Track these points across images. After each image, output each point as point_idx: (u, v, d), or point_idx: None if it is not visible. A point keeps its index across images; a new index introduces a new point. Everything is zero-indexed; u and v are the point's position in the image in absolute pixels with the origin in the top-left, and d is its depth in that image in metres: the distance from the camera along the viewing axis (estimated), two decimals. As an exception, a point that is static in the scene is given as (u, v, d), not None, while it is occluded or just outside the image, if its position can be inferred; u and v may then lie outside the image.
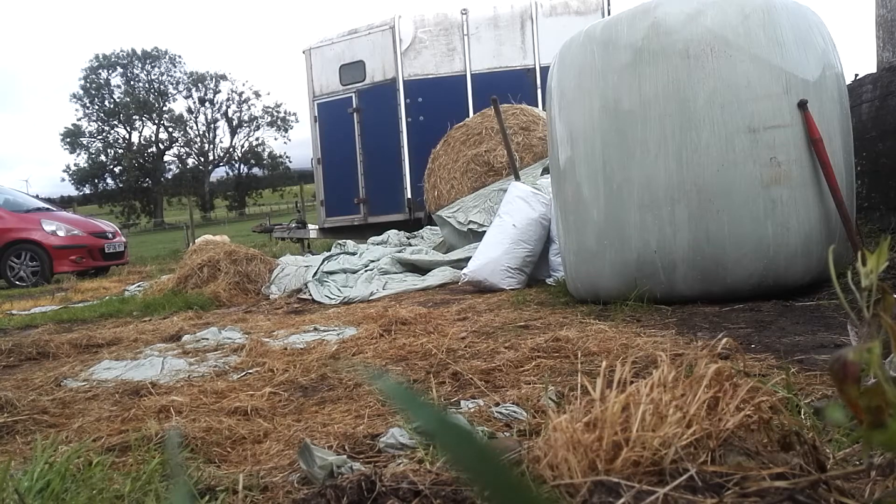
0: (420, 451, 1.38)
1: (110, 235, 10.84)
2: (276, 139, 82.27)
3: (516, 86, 8.89)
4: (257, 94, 67.78)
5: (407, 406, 0.28)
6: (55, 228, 10.09)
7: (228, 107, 59.49)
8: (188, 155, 59.25)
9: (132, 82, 57.70)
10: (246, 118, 59.49)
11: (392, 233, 7.45)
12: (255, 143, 59.47)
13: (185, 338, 3.41)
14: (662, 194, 2.92)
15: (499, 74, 9.36)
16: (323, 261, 5.78)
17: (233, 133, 59.40)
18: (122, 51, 57.76)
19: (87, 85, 56.29)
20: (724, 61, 2.82)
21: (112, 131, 57.35)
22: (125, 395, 2.24)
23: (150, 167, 56.85)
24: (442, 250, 6.21)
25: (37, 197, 14.10)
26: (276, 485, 1.32)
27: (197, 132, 59.24)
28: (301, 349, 2.86)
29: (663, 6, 2.96)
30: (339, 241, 6.66)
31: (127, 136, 57.45)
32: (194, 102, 59.05)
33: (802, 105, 2.71)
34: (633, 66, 2.97)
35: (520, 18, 9.39)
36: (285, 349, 2.88)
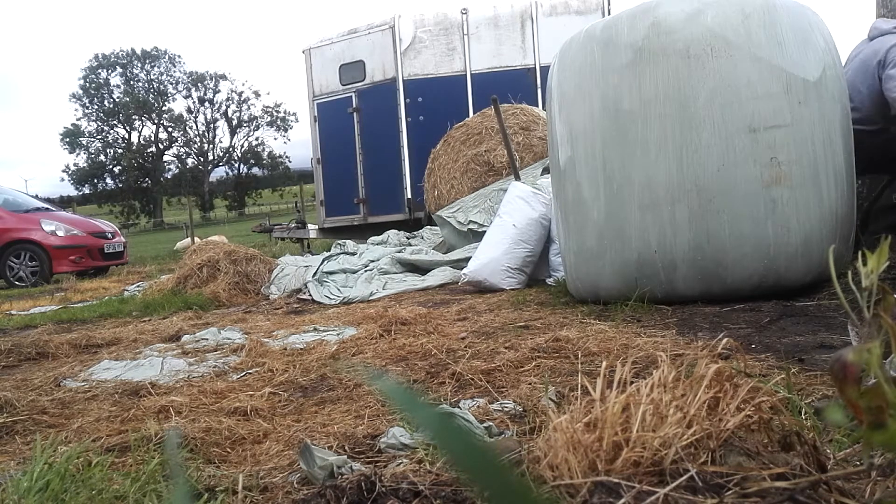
0: (420, 451, 1.38)
1: (110, 235, 10.84)
2: (275, 139, 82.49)
3: (516, 85, 8.89)
4: (257, 94, 67.80)
5: (407, 406, 0.28)
6: (54, 228, 10.08)
7: (228, 107, 59.55)
8: (188, 155, 59.31)
9: (132, 82, 57.74)
10: (246, 118, 59.55)
11: (392, 233, 7.45)
12: (254, 143, 59.55)
13: (185, 338, 3.41)
14: (663, 194, 2.92)
15: (499, 74, 9.35)
16: (322, 261, 5.78)
17: (232, 133, 59.45)
18: (121, 50, 57.86)
19: (87, 85, 56.31)
20: (724, 61, 2.82)
21: (111, 131, 57.43)
22: (125, 395, 2.24)
23: (150, 167, 56.88)
24: (442, 250, 6.20)
25: (36, 197, 14.10)
26: (276, 485, 1.32)
27: (196, 132, 59.30)
28: (301, 349, 2.86)
29: (664, 6, 2.96)
30: (339, 241, 6.66)
31: (126, 136, 57.52)
32: (194, 102, 59.11)
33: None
34: (633, 66, 2.97)
35: (520, 18, 9.39)
36: (285, 349, 2.88)
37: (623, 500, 0.79)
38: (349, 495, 1.06)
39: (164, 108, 57.99)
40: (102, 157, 56.28)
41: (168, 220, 50.59)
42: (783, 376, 1.44)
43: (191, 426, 1.73)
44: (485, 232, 4.94)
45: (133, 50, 57.33)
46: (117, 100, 56.51)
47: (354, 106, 9.99)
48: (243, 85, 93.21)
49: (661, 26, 2.92)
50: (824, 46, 2.93)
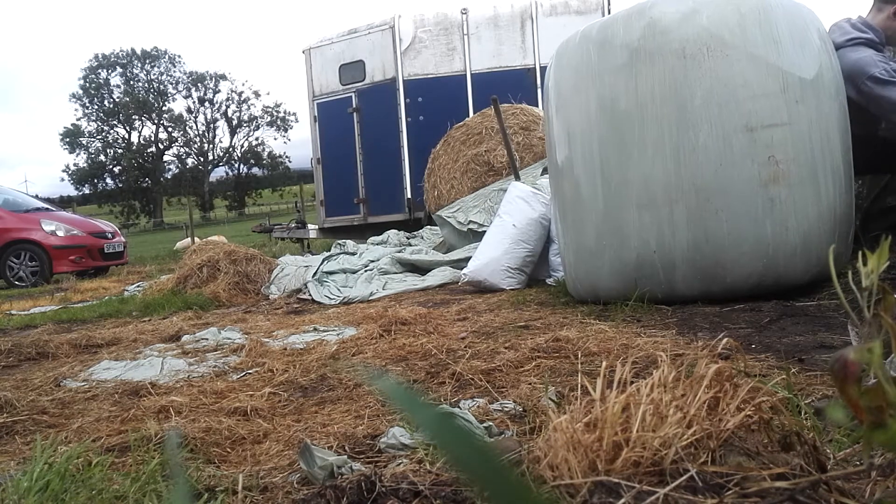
0: (420, 451, 1.38)
1: (110, 235, 10.84)
2: (275, 139, 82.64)
3: (516, 85, 8.89)
4: (257, 94, 67.96)
5: (407, 406, 0.28)
6: (54, 228, 10.08)
7: (228, 107, 59.63)
8: (188, 155, 59.37)
9: (132, 82, 57.79)
10: (245, 118, 59.62)
11: (392, 233, 7.45)
12: (254, 143, 59.62)
13: (185, 338, 3.41)
14: (661, 194, 2.92)
15: (499, 74, 9.36)
16: (322, 261, 5.78)
17: (232, 133, 59.51)
18: (121, 50, 57.94)
19: (87, 85, 56.34)
20: (720, 60, 2.82)
21: (111, 131, 57.51)
22: (125, 395, 2.24)
23: (150, 167, 56.92)
24: (442, 250, 6.20)
25: (36, 197, 14.10)
26: (276, 485, 1.32)
27: (196, 132, 59.36)
28: (301, 349, 2.86)
29: (659, 6, 2.96)
30: (339, 241, 6.66)
31: (126, 136, 57.57)
32: (194, 102, 59.18)
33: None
34: (629, 66, 2.96)
35: (520, 18, 9.39)
36: (285, 349, 2.88)
37: (623, 500, 0.79)
38: (349, 495, 1.06)
39: (164, 108, 58.06)
40: (102, 157, 56.35)
41: (168, 221, 50.63)
42: (783, 376, 1.44)
43: (191, 426, 1.73)
44: (485, 232, 4.94)
45: (133, 50, 57.39)
46: (117, 100, 56.56)
47: (354, 106, 10.00)
48: (243, 85, 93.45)
49: (656, 26, 2.92)
50: (820, 44, 2.93)
